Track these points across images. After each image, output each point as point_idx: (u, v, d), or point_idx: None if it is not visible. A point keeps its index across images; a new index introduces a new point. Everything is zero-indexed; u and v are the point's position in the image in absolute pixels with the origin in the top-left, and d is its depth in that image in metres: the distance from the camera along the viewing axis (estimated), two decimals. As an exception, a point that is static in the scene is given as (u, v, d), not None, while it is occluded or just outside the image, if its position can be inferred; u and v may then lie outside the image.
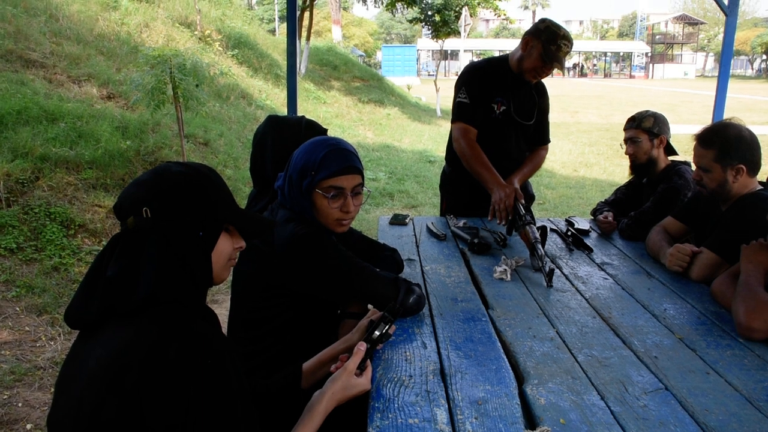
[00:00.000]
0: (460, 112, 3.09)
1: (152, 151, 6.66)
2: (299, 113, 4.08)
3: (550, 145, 3.34)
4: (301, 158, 1.80)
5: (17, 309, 4.02)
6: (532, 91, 3.17)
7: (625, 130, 3.03)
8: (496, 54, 3.43)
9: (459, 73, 3.25)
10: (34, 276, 4.36)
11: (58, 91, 7.14)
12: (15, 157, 5.30)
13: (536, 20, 3.11)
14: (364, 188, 1.86)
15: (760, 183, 2.33)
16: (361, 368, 1.44)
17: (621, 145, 3.07)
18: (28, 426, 2.95)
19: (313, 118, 2.27)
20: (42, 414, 3.02)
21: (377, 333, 1.51)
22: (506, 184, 2.79)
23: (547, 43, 2.88)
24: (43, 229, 4.82)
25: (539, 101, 3.20)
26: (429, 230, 2.96)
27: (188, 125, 7.53)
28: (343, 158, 1.78)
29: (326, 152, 1.77)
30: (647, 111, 3.00)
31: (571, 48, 2.94)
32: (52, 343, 3.70)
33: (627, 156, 3.02)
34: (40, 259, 4.56)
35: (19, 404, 3.12)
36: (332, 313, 1.96)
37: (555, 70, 3.04)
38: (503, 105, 3.07)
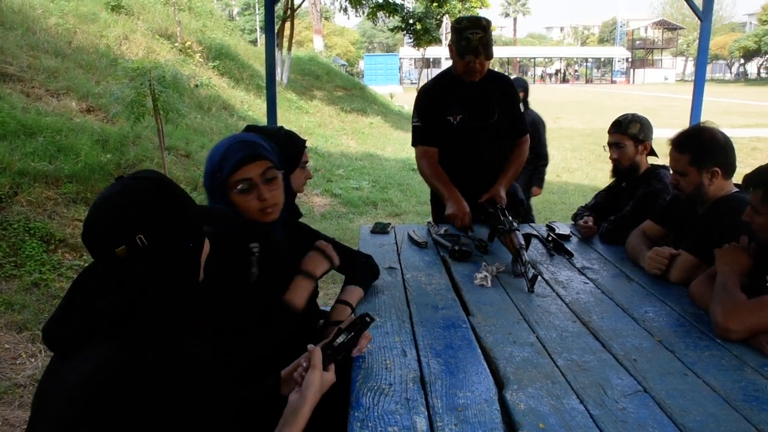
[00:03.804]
0: (416, 136, 3.24)
1: (133, 164, 6.61)
2: (281, 123, 4.08)
3: None
4: (207, 164, 1.77)
5: (-4, 326, 3.97)
6: (489, 89, 3.17)
7: (609, 133, 3.02)
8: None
9: None
10: (14, 292, 4.30)
11: (36, 104, 7.07)
12: (-8, 173, 5.24)
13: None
14: (278, 171, 1.80)
15: (736, 185, 2.35)
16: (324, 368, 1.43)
17: (604, 147, 3.09)
18: (8, 445, 2.92)
19: (294, 129, 2.27)
20: (22, 432, 2.98)
21: (340, 339, 1.51)
22: (461, 200, 2.97)
23: (457, 42, 2.95)
24: (23, 244, 4.76)
25: (499, 98, 3.20)
26: (410, 238, 2.96)
27: (169, 137, 7.50)
28: (243, 148, 1.73)
29: (226, 148, 1.73)
30: (633, 115, 2.99)
31: (484, 31, 2.93)
32: (33, 360, 3.65)
33: (610, 160, 3.04)
34: (19, 275, 4.50)
35: (-1, 423, 3.08)
36: (312, 322, 1.96)
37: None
38: (459, 114, 3.12)
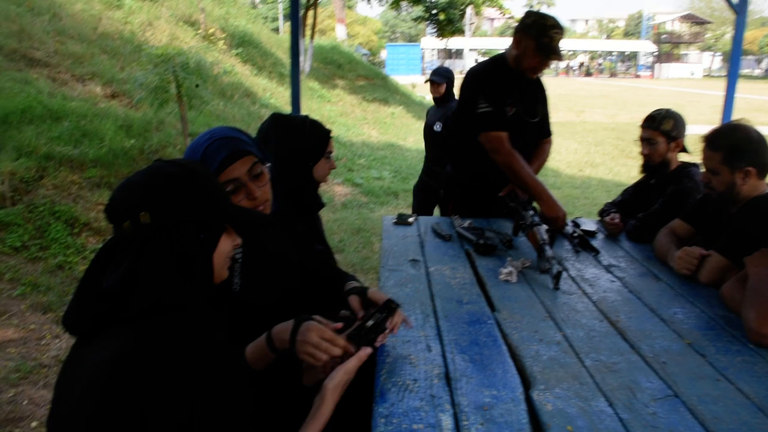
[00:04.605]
0: (488, 122, 2.97)
1: (156, 149, 6.65)
2: (304, 112, 4.07)
3: (555, 144, 3.34)
4: None
5: (22, 307, 4.02)
6: (534, 88, 3.16)
7: (642, 128, 2.96)
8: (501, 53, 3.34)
9: (464, 79, 3.18)
10: (39, 274, 4.36)
11: (62, 89, 7.13)
12: (19, 156, 5.30)
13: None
14: (264, 165, 1.66)
15: (770, 185, 2.29)
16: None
17: (635, 142, 3.03)
18: (33, 424, 2.95)
19: (316, 117, 2.24)
20: (46, 412, 3.02)
21: (370, 322, 1.49)
22: (556, 203, 2.82)
23: (539, 38, 2.86)
24: (48, 227, 4.82)
25: (540, 97, 3.20)
26: (434, 231, 2.94)
27: (192, 124, 7.52)
28: (224, 146, 1.58)
29: (205, 148, 1.58)
30: (668, 111, 2.92)
31: (563, 34, 2.91)
32: (57, 341, 3.70)
33: (640, 155, 2.98)
34: (44, 258, 4.55)
35: (24, 402, 3.12)
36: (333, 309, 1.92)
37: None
38: (514, 107, 3.03)
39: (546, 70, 3.21)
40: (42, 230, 4.79)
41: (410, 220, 3.12)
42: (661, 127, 2.87)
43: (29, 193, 5.04)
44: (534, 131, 3.20)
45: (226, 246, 1.26)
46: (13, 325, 3.82)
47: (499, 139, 2.94)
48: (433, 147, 5.22)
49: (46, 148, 5.55)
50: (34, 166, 5.27)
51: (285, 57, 15.73)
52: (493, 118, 2.96)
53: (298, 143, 2.08)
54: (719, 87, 4.52)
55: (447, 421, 1.31)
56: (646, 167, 3.00)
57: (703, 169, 2.40)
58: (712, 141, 2.30)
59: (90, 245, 4.86)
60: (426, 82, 5.20)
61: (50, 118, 6.12)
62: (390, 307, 1.58)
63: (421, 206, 5.19)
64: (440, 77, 5.10)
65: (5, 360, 3.44)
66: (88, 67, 8.02)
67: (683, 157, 3.01)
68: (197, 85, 5.94)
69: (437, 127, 5.12)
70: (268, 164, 1.68)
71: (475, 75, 3.13)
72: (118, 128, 6.58)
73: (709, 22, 62.82)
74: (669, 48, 62.82)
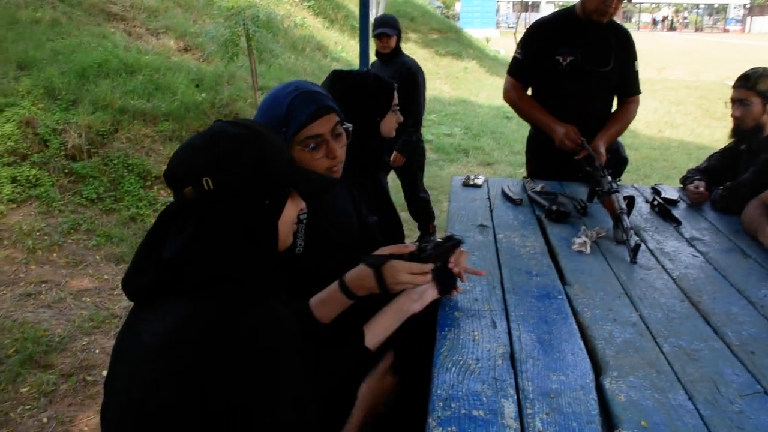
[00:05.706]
0: (512, 67, 3.16)
1: (227, 103, 6.69)
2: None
3: None
4: (265, 116, 1.57)
5: (97, 257, 4.16)
6: (608, 36, 2.97)
7: (734, 88, 2.72)
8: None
9: None
10: (113, 226, 4.49)
11: (136, 43, 7.25)
12: (96, 110, 5.43)
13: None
14: (343, 125, 1.62)
15: None
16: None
17: (726, 104, 2.80)
18: (104, 373, 3.05)
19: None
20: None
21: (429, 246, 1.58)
22: (563, 124, 2.88)
23: None
24: (122, 180, 4.94)
25: (617, 45, 2.99)
26: (504, 194, 2.82)
27: (262, 77, 7.51)
28: (311, 101, 1.54)
29: (291, 100, 1.53)
30: (764, 70, 2.66)
31: None
32: (128, 292, 3.81)
33: (732, 118, 2.76)
34: (118, 210, 4.69)
35: (97, 351, 3.23)
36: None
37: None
38: (570, 55, 2.92)
39: (627, 24, 3.02)
40: (116, 183, 4.92)
41: (479, 181, 3.00)
42: (757, 87, 2.63)
43: (104, 146, 5.17)
44: (605, 82, 3.01)
45: (292, 212, 1.20)
46: (89, 274, 3.96)
47: (511, 84, 3.14)
48: None
49: (120, 101, 5.66)
50: (109, 120, 5.39)
51: (357, 9, 15.53)
52: (516, 65, 3.12)
53: (363, 99, 2.00)
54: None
55: (510, 408, 1.22)
56: (736, 131, 2.77)
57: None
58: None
59: (161, 198, 4.96)
60: (375, 36, 4.56)
61: (125, 71, 6.23)
62: (455, 241, 1.61)
63: None
64: (392, 29, 4.52)
65: (80, 309, 3.57)
66: (162, 20, 8.11)
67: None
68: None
69: None
70: (349, 126, 1.63)
71: (532, 23, 3.23)
72: (189, 82, 6.65)
73: (811, -29, 58.28)
74: (764, -1, 58.78)
